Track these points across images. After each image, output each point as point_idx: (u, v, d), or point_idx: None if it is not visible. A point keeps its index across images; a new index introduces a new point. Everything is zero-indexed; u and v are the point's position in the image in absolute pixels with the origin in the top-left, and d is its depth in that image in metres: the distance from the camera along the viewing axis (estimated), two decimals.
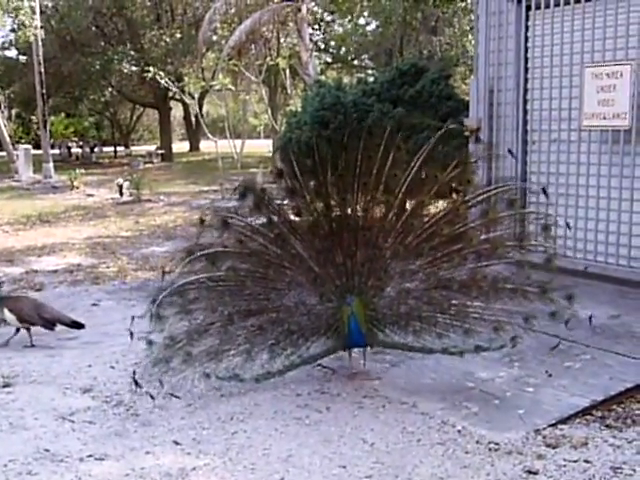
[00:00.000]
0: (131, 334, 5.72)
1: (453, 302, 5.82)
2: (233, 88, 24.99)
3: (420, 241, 5.82)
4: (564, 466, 4.40)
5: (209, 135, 21.75)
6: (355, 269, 5.84)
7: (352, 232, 5.82)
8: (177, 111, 48.73)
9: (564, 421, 5.07)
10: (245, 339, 5.77)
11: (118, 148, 46.53)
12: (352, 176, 5.76)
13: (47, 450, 4.65)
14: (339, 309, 5.84)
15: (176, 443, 4.76)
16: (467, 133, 9.51)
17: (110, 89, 43.55)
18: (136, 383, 5.57)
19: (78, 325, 7.01)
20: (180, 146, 48.27)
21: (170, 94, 37.59)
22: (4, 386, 5.91)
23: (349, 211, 5.85)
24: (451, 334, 5.78)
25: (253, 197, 5.80)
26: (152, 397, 5.52)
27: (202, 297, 5.81)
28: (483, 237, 5.92)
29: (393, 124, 10.86)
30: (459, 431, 4.94)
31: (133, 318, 5.73)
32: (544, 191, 6.88)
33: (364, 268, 5.84)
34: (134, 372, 5.66)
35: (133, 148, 48.31)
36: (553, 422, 5.03)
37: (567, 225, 7.43)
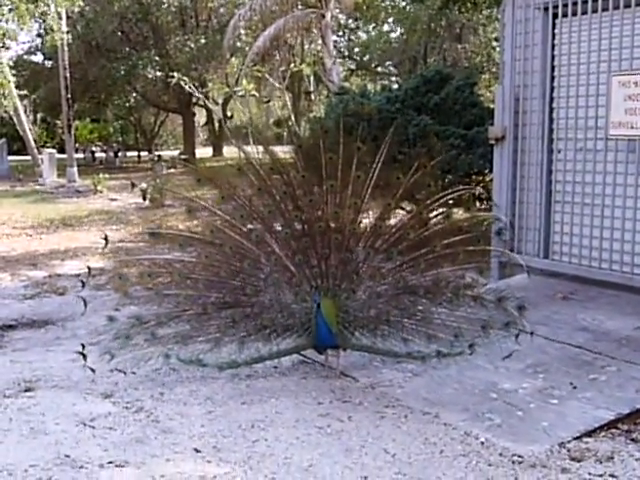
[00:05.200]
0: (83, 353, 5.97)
1: (419, 307, 6.05)
2: (257, 94, 25.04)
3: (389, 245, 6.05)
4: None
5: (232, 141, 21.80)
6: (329, 271, 6.02)
7: (325, 235, 5.99)
8: (201, 116, 48.82)
9: (589, 434, 5.00)
10: (217, 329, 6.05)
11: (142, 153, 46.69)
12: (319, 178, 6.00)
13: (67, 456, 4.63)
14: (312, 309, 5.98)
15: (197, 451, 4.73)
16: (492, 141, 9.45)
17: (135, 94, 43.71)
18: (83, 355, 5.87)
19: None
20: (203, 151, 48.36)
21: (194, 100, 37.73)
22: (26, 390, 5.93)
23: (319, 213, 6.04)
24: (416, 339, 5.99)
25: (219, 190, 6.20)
26: (93, 370, 5.91)
27: (175, 282, 6.13)
28: (445, 242, 6.08)
29: (417, 131, 10.92)
30: (482, 443, 4.89)
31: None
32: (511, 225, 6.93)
33: (338, 270, 6.03)
34: (82, 345, 5.94)
35: (156, 153, 48.47)
36: (578, 435, 4.97)
37: (511, 225, 7.55)
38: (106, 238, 6.38)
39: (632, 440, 4.95)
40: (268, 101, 28.81)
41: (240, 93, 23.83)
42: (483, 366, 5.98)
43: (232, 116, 40.77)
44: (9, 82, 27.05)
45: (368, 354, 6.38)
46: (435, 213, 6.34)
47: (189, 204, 6.36)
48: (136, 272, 6.36)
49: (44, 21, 27.55)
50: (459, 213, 6.60)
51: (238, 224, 6.18)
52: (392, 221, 6.24)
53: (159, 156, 28.64)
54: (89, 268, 6.49)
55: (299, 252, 6.05)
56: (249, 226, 6.19)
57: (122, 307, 6.46)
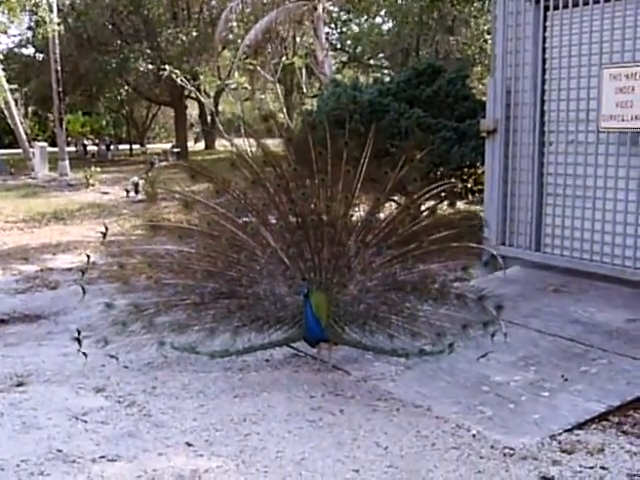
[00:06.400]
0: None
1: (406, 304, 6.09)
2: (249, 87, 24.98)
3: (379, 240, 6.10)
4: (580, 472, 4.37)
5: (224, 134, 21.79)
6: (322, 264, 6.09)
7: (318, 228, 6.06)
8: (193, 109, 48.73)
9: (580, 426, 5.03)
10: (212, 318, 6.18)
11: (134, 146, 46.59)
12: (310, 172, 6.09)
13: (60, 450, 4.63)
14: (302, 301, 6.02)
15: (189, 445, 4.74)
16: (484, 134, 9.47)
17: (126, 87, 43.59)
18: (78, 341, 6.04)
19: None
20: (195, 144, 48.26)
21: (186, 92, 37.63)
22: (18, 385, 5.92)
23: (312, 206, 6.12)
24: (401, 336, 6.03)
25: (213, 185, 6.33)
26: (85, 355, 6.09)
27: (174, 272, 6.27)
28: (431, 237, 6.12)
29: (409, 124, 10.91)
30: (474, 435, 4.91)
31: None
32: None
33: (330, 264, 6.09)
34: (78, 330, 6.10)
35: (149, 146, 48.37)
36: (569, 427, 5.00)
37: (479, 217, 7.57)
38: (106, 229, 6.54)
39: (623, 432, 4.98)
40: (252, 95, 28.67)
41: (232, 86, 23.75)
42: (475, 359, 5.97)
43: (223, 109, 40.69)
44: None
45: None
46: (424, 208, 6.38)
47: (185, 198, 6.42)
48: (136, 261, 6.50)
49: (35, 13, 27.44)
50: (444, 208, 6.63)
51: (234, 217, 6.25)
52: (382, 215, 6.29)
53: (152, 162, 28.54)
54: (88, 256, 6.55)
55: (293, 245, 6.11)
56: (244, 219, 6.26)
57: (118, 297, 6.43)
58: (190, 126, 48.49)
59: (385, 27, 34.51)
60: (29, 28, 37.31)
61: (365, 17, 35.22)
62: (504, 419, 5.14)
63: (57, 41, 28.91)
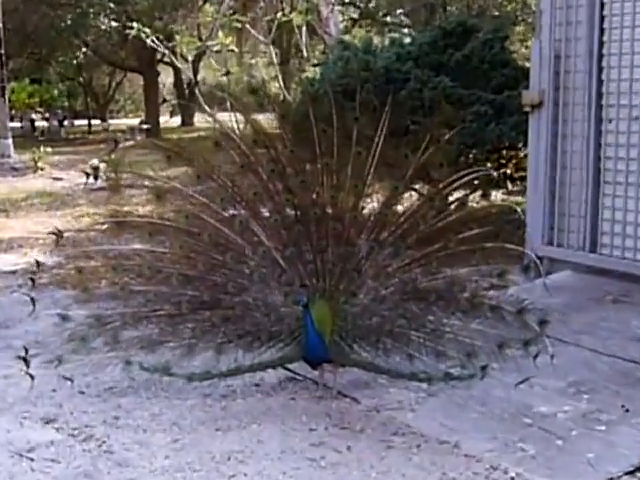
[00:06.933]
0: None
1: (429, 317, 6.10)
2: (236, 49, 24.98)
3: (396, 238, 6.12)
4: None
5: (205, 107, 21.80)
6: (326, 268, 6.10)
7: (321, 223, 6.09)
8: (167, 77, 48.65)
9: None
10: (191, 333, 6.20)
11: (93, 122, 46.48)
12: (312, 154, 6.15)
13: None
14: (300, 312, 6.02)
15: None
16: (527, 109, 9.47)
17: (84, 49, 43.40)
18: (25, 360, 6.00)
19: None
20: (170, 120, 48.16)
21: (158, 56, 37.57)
22: None
23: (314, 197, 6.16)
24: (423, 356, 6.06)
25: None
26: (32, 377, 5.99)
27: (144, 277, 6.29)
28: (461, 236, 6.13)
29: (434, 96, 10.90)
30: (512, 479, 4.91)
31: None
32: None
33: (336, 267, 6.10)
34: (25, 349, 6.08)
35: (112, 122, 48.30)
36: (631, 469, 4.98)
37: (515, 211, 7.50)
38: (59, 233, 6.49)
39: None
40: (240, 60, 28.71)
41: (215, 48, 23.75)
42: (513, 385, 5.93)
43: (203, 78, 40.65)
44: None
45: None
46: (452, 199, 6.44)
47: (158, 185, 6.48)
48: (98, 264, 6.51)
49: None
50: (477, 200, 6.78)
51: (218, 209, 6.30)
52: (400, 208, 6.34)
53: (115, 141, 28.54)
54: (38, 262, 6.59)
55: (291, 244, 6.13)
56: (231, 211, 6.30)
57: (75, 307, 6.47)
58: (163, 101, 48.44)
59: None
60: None
61: None
62: (550, 459, 5.13)
63: None
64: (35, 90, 45.48)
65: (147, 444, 5.35)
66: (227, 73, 24.02)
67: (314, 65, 24.34)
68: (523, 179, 10.67)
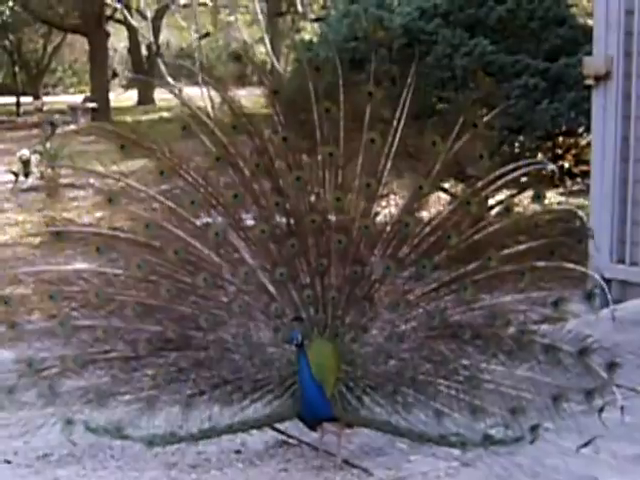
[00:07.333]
0: None
1: (463, 362, 5.99)
2: (209, 2, 24.85)
3: (419, 255, 6.02)
4: None
5: (169, 79, 21.57)
6: (328, 295, 6.00)
7: (321, 235, 6.01)
8: (119, 40, 48.80)
9: None
10: (152, 382, 6.07)
11: (23, 99, 46.57)
12: (310, 142, 6.08)
13: None
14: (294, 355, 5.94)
15: None
16: (589, 81, 9.26)
17: (10, 3, 43.34)
18: None
19: None
20: (123, 97, 48.40)
21: (108, 12, 37.56)
22: None
23: (312, 199, 6.08)
24: (455, 413, 5.92)
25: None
26: None
27: (91, 307, 6.13)
28: (505, 253, 6.01)
29: (469, 64, 10.73)
30: None
31: None
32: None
33: (341, 294, 6.00)
34: None
35: (47, 99, 48.39)
36: None
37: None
38: None
39: None
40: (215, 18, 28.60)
41: (183, 1, 23.59)
42: (573, 450, 5.77)
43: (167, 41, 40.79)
44: None
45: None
46: (493, 202, 6.31)
47: (108, 184, 6.33)
48: (29, 292, 6.37)
49: None
50: (526, 203, 6.66)
51: (187, 216, 6.17)
52: (426, 214, 6.16)
53: (53, 125, 28.57)
54: None
55: (282, 263, 6.00)
56: (204, 219, 6.18)
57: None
58: (113, 74, 48.55)
59: None
60: None
61: None
62: None
63: None
64: None
65: None
66: (206, 35, 23.86)
67: (314, 20, 24.23)
68: (585, 175, 10.58)
